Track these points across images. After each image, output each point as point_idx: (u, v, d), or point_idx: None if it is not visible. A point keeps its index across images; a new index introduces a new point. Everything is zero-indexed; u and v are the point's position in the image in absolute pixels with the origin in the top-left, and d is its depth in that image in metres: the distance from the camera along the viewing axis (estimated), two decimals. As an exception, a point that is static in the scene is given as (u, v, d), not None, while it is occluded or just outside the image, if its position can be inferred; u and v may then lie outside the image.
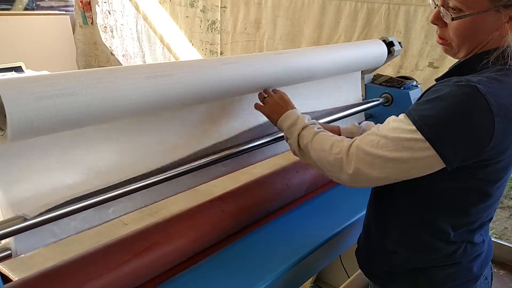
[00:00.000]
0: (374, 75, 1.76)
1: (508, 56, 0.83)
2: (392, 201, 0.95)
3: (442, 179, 0.83)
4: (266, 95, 1.12)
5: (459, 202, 0.87)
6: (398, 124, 0.82)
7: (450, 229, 0.89)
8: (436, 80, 0.94)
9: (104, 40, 4.07)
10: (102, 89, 0.79)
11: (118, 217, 0.96)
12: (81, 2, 4.02)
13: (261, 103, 1.13)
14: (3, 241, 0.79)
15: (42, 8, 4.20)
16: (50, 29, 4.02)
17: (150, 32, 3.70)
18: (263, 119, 1.17)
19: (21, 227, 0.74)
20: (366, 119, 1.72)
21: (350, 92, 1.64)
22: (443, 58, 2.23)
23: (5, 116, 0.68)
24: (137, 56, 3.87)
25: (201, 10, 3.29)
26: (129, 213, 0.98)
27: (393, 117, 0.86)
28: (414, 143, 0.78)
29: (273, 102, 1.10)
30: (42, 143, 0.81)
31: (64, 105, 0.73)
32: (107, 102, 0.80)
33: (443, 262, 0.92)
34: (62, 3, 4.32)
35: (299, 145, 0.99)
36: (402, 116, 0.83)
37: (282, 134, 1.08)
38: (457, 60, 0.93)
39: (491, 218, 0.96)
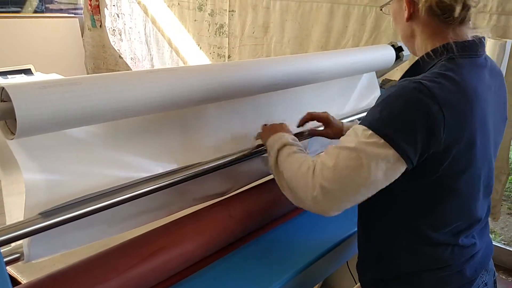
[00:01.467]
0: (383, 79, 1.76)
1: (451, 50, 0.87)
2: (370, 207, 0.95)
3: (406, 180, 0.83)
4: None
5: (427, 202, 0.87)
6: (355, 132, 0.83)
7: (430, 231, 0.89)
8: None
9: (112, 43, 4.09)
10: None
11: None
12: (90, 5, 4.05)
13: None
14: (14, 244, 0.79)
15: (51, 11, 4.24)
16: (59, 31, 4.04)
17: (159, 35, 3.71)
18: None
19: (37, 228, 0.74)
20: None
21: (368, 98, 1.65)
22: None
23: (15, 119, 0.69)
24: (145, 60, 3.89)
25: (209, 14, 3.30)
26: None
27: (350, 129, 0.87)
28: (373, 146, 0.78)
29: (271, 126, 1.13)
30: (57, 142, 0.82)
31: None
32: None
33: (431, 266, 0.92)
34: (71, 6, 4.36)
35: (276, 162, 0.99)
36: (355, 126, 0.85)
37: None
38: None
39: (480, 220, 0.95)
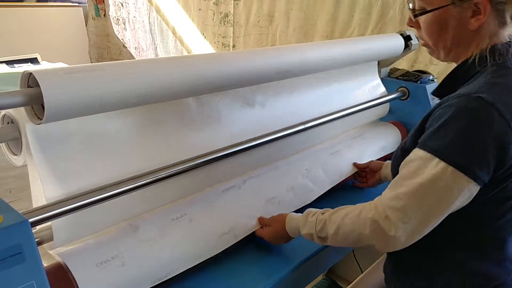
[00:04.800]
0: (391, 69, 1.77)
1: (497, 54, 0.83)
2: None
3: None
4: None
5: (484, 216, 0.84)
6: (418, 164, 0.79)
7: (483, 246, 0.86)
8: (433, 93, 0.97)
9: (116, 32, 4.09)
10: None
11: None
12: (94, -6, 4.05)
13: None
14: (39, 227, 0.81)
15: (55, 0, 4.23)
16: (63, 20, 4.05)
17: (163, 24, 3.71)
18: None
19: (62, 211, 0.76)
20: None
21: (367, 88, 1.66)
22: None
23: (42, 106, 0.70)
24: (149, 49, 3.89)
25: (214, 3, 3.29)
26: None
27: (406, 161, 0.82)
28: (442, 174, 0.75)
29: (271, 228, 1.06)
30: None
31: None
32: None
33: (480, 285, 0.87)
34: (75, -5, 4.35)
35: (326, 239, 0.91)
36: (417, 153, 0.80)
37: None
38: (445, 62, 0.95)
39: None
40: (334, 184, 1.34)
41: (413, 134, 0.87)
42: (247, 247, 1.10)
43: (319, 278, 2.13)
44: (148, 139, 0.98)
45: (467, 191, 0.76)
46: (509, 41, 0.86)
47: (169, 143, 1.02)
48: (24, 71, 0.71)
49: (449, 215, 0.80)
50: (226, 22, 3.27)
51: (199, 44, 3.49)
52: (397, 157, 0.92)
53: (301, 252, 1.10)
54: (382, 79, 1.73)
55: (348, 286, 1.28)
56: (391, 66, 1.79)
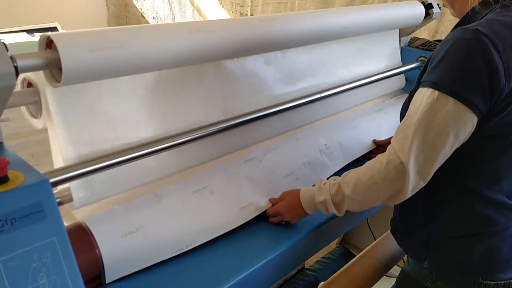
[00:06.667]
0: (411, 38, 1.73)
1: None
2: None
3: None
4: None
5: (480, 156, 0.86)
6: (420, 100, 0.81)
7: (481, 188, 0.87)
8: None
9: (135, 2, 4.07)
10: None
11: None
12: (112, -38, 4.01)
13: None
14: (60, 188, 0.84)
15: (74, -32, 4.20)
16: (82, -11, 4.04)
17: (181, -7, 3.68)
18: None
19: (81, 173, 0.78)
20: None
21: (388, 57, 1.63)
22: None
23: (60, 69, 0.72)
24: (168, 19, 3.87)
25: (232, -29, 3.24)
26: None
27: (411, 103, 0.84)
28: (442, 106, 0.78)
29: (285, 201, 1.05)
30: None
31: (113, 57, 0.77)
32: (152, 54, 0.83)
33: (480, 229, 0.89)
34: (93, -36, 4.31)
35: (343, 204, 0.92)
36: (419, 91, 0.82)
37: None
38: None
39: None
40: (350, 161, 1.33)
41: (419, 77, 0.88)
42: (258, 215, 1.10)
43: (333, 246, 2.16)
44: (169, 103, 0.99)
45: (469, 120, 0.78)
46: None
47: (191, 108, 1.04)
48: (43, 35, 0.73)
49: (451, 155, 0.82)
50: (244, -9, 3.22)
51: (217, 13, 3.45)
52: (405, 103, 0.94)
53: (314, 218, 1.09)
54: (402, 48, 1.70)
55: (361, 252, 1.30)
56: (412, 36, 1.75)
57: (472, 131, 0.81)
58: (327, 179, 0.98)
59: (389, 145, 0.85)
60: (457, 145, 0.82)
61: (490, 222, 0.89)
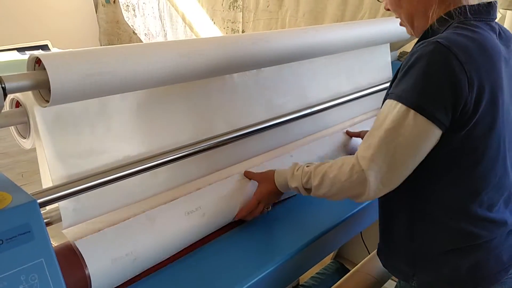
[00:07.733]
0: (400, 52, 1.75)
1: (456, 14, 0.86)
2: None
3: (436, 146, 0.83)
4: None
5: (454, 168, 0.86)
6: (386, 112, 0.82)
7: (460, 202, 0.88)
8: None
9: (126, 19, 4.10)
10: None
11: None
12: (104, -20, 4.05)
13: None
14: (48, 208, 0.83)
15: (65, -14, 4.23)
16: (73, 6, 4.06)
17: (172, 10, 3.70)
18: None
19: (69, 192, 0.78)
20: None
21: (378, 70, 1.65)
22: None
23: (49, 89, 0.72)
24: (159, 35, 3.89)
25: (223, -12, 3.27)
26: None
27: (378, 114, 0.86)
28: (405, 118, 0.79)
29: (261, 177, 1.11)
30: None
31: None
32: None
33: (464, 243, 0.89)
34: (85, -19, 4.34)
35: (309, 189, 0.98)
36: (386, 103, 0.84)
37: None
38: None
39: (510, 193, 0.91)
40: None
41: (388, 88, 0.90)
42: (255, 226, 1.11)
43: (327, 261, 2.15)
44: (158, 120, 0.99)
45: (431, 134, 0.80)
46: (481, 3, 0.87)
47: (180, 124, 1.04)
48: (31, 55, 0.73)
49: (425, 170, 0.84)
50: (235, 7, 3.25)
51: (209, 30, 3.48)
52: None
53: (308, 232, 1.10)
54: (392, 63, 1.72)
55: (354, 268, 1.29)
56: (401, 50, 1.77)
57: (436, 143, 0.82)
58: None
59: (357, 150, 0.87)
60: (421, 156, 0.82)
61: (473, 236, 0.89)
